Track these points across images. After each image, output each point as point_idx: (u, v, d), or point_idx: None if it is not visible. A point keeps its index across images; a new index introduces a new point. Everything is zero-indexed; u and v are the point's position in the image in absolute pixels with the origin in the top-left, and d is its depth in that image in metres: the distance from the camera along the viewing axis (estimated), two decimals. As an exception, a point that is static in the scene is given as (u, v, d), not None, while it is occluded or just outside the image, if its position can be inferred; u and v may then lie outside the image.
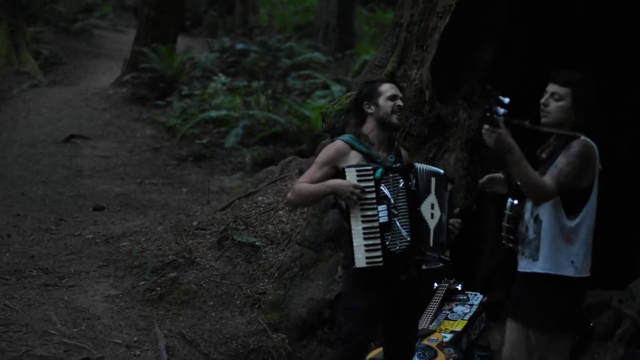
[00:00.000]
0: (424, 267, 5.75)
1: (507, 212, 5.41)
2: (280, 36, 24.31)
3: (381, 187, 5.57)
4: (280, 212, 8.64)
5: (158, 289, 8.09)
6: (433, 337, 6.86)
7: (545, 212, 5.18)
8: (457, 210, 5.99)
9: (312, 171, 5.78)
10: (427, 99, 7.54)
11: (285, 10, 30.10)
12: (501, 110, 4.85)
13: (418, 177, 5.65)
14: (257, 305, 7.85)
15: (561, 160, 5.08)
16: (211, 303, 7.94)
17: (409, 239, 5.56)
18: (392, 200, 5.57)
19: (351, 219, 5.59)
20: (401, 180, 5.60)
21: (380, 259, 5.53)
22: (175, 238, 8.84)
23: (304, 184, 5.75)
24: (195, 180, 13.22)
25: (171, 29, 19.73)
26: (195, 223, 9.13)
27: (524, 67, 8.42)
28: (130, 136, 15.59)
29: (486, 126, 4.92)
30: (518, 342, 5.38)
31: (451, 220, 5.81)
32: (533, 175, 5.04)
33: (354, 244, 5.55)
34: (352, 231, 5.57)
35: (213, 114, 15.39)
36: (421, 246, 5.60)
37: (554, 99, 5.22)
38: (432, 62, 7.55)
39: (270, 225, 8.63)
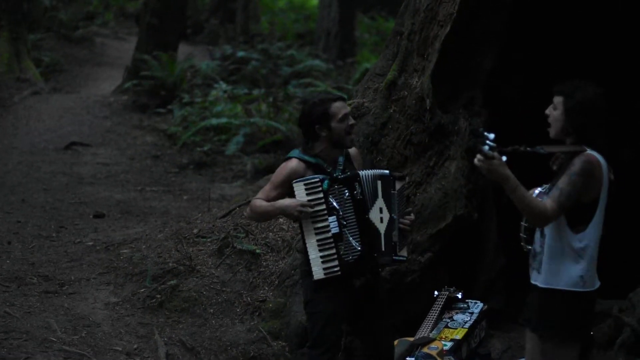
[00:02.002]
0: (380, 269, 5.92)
1: (524, 223, 5.41)
2: (281, 44, 24.31)
3: (330, 199, 5.65)
4: (281, 219, 8.64)
5: (158, 296, 8.08)
6: (433, 345, 6.85)
7: (548, 227, 5.17)
8: (409, 208, 6.05)
9: (268, 189, 5.94)
10: (428, 107, 7.55)
11: (286, 18, 30.14)
12: (486, 148, 4.85)
13: (363, 184, 5.73)
14: (257, 313, 7.85)
15: (562, 180, 5.05)
16: (211, 311, 7.94)
17: (359, 248, 5.68)
18: (340, 212, 5.65)
19: (305, 232, 5.71)
20: (346, 190, 5.70)
21: (338, 269, 5.69)
22: (176, 245, 8.84)
23: (259, 201, 5.91)
24: (196, 187, 13.22)
25: (172, 36, 19.74)
26: (195, 231, 9.13)
27: (525, 75, 8.44)
28: (131, 143, 15.59)
29: (478, 156, 4.90)
30: (532, 350, 5.38)
31: (402, 220, 5.87)
32: (531, 201, 5.01)
33: (311, 257, 5.71)
34: (307, 244, 5.71)
35: (214, 121, 15.38)
36: (373, 253, 5.73)
37: (553, 108, 5.22)
38: (433, 70, 7.56)
39: (270, 233, 8.63)
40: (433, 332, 7.10)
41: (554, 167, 5.32)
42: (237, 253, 8.51)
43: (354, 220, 5.72)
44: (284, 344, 7.49)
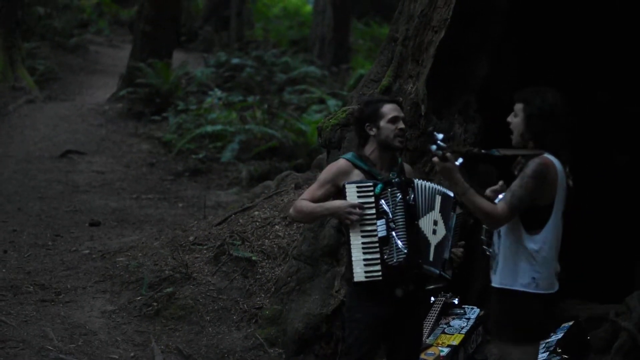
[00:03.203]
0: (427, 287, 5.79)
1: (485, 226, 5.44)
2: (275, 51, 24.35)
3: (380, 202, 5.59)
4: (277, 226, 8.65)
5: (155, 304, 8.08)
6: (430, 351, 6.85)
7: (504, 228, 5.21)
8: (462, 242, 5.97)
9: (314, 188, 5.84)
10: (422, 113, 7.56)
11: (280, 24, 30.17)
12: (434, 147, 5.00)
13: (417, 191, 5.67)
14: (254, 320, 7.85)
15: (515, 183, 5.11)
16: (208, 318, 7.94)
17: (405, 251, 5.56)
18: (390, 215, 5.58)
19: (350, 234, 5.62)
20: (399, 193, 5.62)
21: (379, 273, 5.55)
22: (172, 253, 8.84)
23: (304, 201, 5.80)
24: (192, 195, 13.22)
25: (167, 44, 19.77)
26: (191, 238, 9.13)
27: (519, 79, 8.45)
28: (126, 151, 15.59)
29: (434, 159, 5.05)
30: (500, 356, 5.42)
31: (453, 250, 5.81)
32: (481, 204, 5.08)
33: (353, 258, 5.58)
34: (352, 245, 5.60)
35: (209, 128, 15.39)
36: (418, 259, 5.61)
37: (514, 116, 5.26)
38: (427, 76, 7.57)
39: (266, 240, 8.63)
40: (430, 338, 7.11)
41: (516, 172, 5.35)
42: (233, 260, 8.51)
43: (403, 223, 5.64)
44: (280, 350, 7.49)
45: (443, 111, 7.76)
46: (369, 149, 5.84)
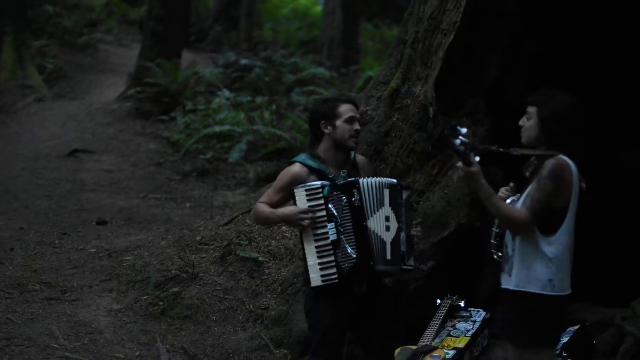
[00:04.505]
0: (386, 279, 5.89)
1: (494, 229, 5.43)
2: (284, 51, 24.32)
3: (329, 205, 5.63)
4: (283, 227, 8.64)
5: (161, 303, 8.09)
6: (435, 353, 6.84)
7: None
8: (419, 219, 6.02)
9: (271, 193, 5.98)
10: (431, 116, 7.55)
11: (289, 25, 30.16)
12: (457, 142, 4.89)
13: (363, 191, 5.70)
14: (259, 321, 7.85)
15: (533, 186, 5.11)
16: (214, 318, 7.94)
17: (354, 256, 5.64)
18: (338, 219, 5.63)
19: (304, 238, 5.69)
20: (344, 197, 5.67)
21: (335, 276, 5.64)
22: (178, 253, 8.84)
23: (262, 205, 5.95)
24: (199, 195, 13.22)
25: (176, 43, 19.77)
26: (198, 238, 9.13)
27: (529, 81, 8.43)
28: (134, 150, 15.60)
29: (459, 163, 5.00)
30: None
31: (411, 232, 5.86)
32: (504, 209, 5.10)
33: (309, 264, 5.66)
34: (305, 250, 5.68)
35: (217, 129, 15.38)
36: (369, 261, 5.67)
37: (527, 119, 5.26)
38: (436, 78, 7.56)
39: (273, 241, 8.63)
40: (435, 340, 7.09)
41: (527, 174, 5.34)
42: (240, 260, 8.51)
43: (350, 227, 5.70)
44: (286, 351, 7.49)
45: (452, 114, 7.74)
46: (323, 147, 5.89)
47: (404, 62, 7.96)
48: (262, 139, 15.24)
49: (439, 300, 7.40)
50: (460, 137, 4.91)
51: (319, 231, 5.67)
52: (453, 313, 7.38)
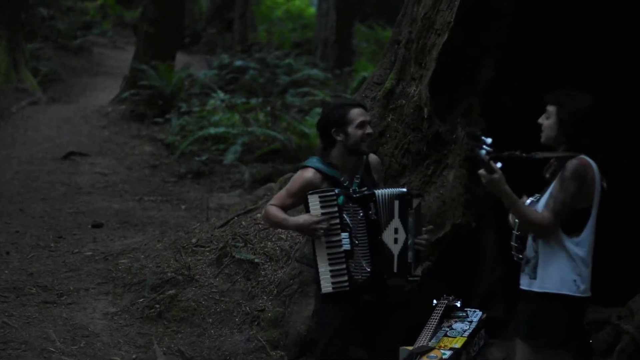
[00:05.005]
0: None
1: (515, 231, 5.42)
2: (278, 53, 24.34)
3: (344, 215, 5.60)
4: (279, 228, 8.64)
5: (157, 306, 8.08)
6: (432, 354, 6.83)
7: None
8: (430, 226, 6.00)
9: (284, 196, 5.91)
10: (425, 116, 7.55)
11: (283, 27, 30.17)
12: (483, 152, 4.88)
13: (378, 205, 5.67)
14: (256, 323, 7.84)
15: (555, 187, 5.09)
16: (210, 320, 7.94)
17: (368, 269, 5.62)
18: (353, 230, 5.61)
19: (316, 245, 5.65)
20: (360, 211, 5.63)
21: (347, 284, 5.61)
22: (174, 255, 8.83)
23: (274, 208, 5.89)
24: (194, 197, 13.21)
25: (170, 46, 19.77)
26: (194, 240, 9.13)
27: (524, 82, 8.44)
28: (129, 153, 15.59)
29: (481, 171, 4.97)
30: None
31: (418, 239, 5.82)
32: (529, 215, 5.09)
33: (320, 270, 5.63)
34: (317, 257, 5.64)
35: (212, 131, 15.39)
36: (383, 275, 5.68)
37: (546, 117, 5.25)
38: (430, 79, 7.56)
39: (269, 243, 8.63)
40: (432, 341, 7.08)
41: (547, 175, 5.34)
42: (236, 262, 8.50)
43: (366, 241, 5.66)
44: (282, 353, 7.49)
45: (446, 114, 7.75)
46: (336, 154, 5.83)
47: (398, 62, 7.96)
48: (257, 141, 15.25)
49: (435, 301, 7.40)
50: (485, 147, 4.90)
51: (332, 238, 5.64)
52: (449, 313, 7.38)
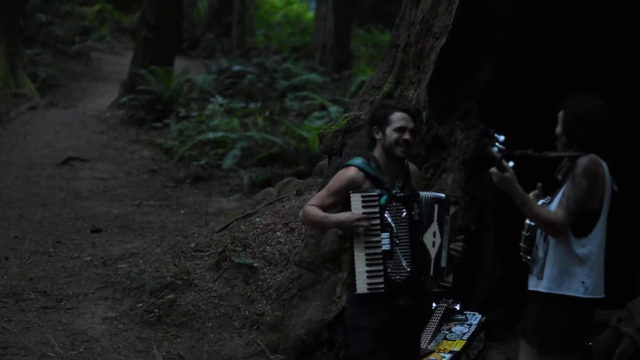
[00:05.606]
0: (430, 293, 5.79)
1: (524, 233, 5.41)
2: (277, 57, 24.37)
3: (385, 215, 5.55)
4: (278, 233, 8.64)
5: (156, 310, 8.08)
6: (432, 357, 6.84)
7: None
8: (462, 236, 5.94)
9: (324, 196, 5.77)
10: (424, 120, 7.55)
11: (282, 31, 30.23)
12: (495, 149, 4.86)
13: (422, 206, 5.64)
14: (255, 327, 7.84)
15: (567, 186, 5.06)
16: (209, 324, 7.93)
17: (408, 269, 5.55)
18: (394, 229, 5.55)
19: (354, 244, 5.58)
20: (404, 210, 5.58)
21: (382, 286, 5.52)
22: (173, 260, 8.83)
23: (314, 208, 5.72)
24: (193, 201, 13.22)
25: (168, 51, 19.77)
26: (193, 245, 9.12)
27: (522, 85, 8.45)
28: (128, 158, 15.60)
29: (493, 169, 4.96)
30: None
31: (452, 245, 5.78)
32: (541, 213, 5.05)
33: (357, 270, 5.54)
34: (355, 257, 5.56)
35: (210, 135, 15.41)
36: (421, 276, 5.61)
37: (559, 123, 5.25)
38: (428, 82, 7.56)
39: (268, 247, 8.63)
40: (431, 344, 7.09)
41: (559, 177, 5.32)
42: (235, 267, 8.50)
43: (408, 240, 5.59)
44: (282, 357, 7.48)
45: (444, 117, 7.75)
46: (377, 153, 5.79)
47: (397, 66, 7.97)
48: (256, 145, 15.27)
49: (434, 304, 7.40)
50: (497, 144, 4.88)
51: (372, 239, 5.55)
52: (449, 316, 7.39)
